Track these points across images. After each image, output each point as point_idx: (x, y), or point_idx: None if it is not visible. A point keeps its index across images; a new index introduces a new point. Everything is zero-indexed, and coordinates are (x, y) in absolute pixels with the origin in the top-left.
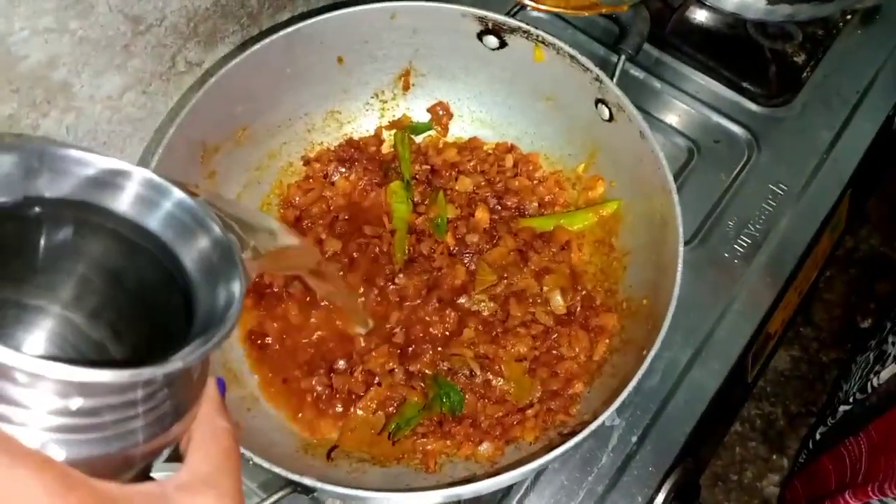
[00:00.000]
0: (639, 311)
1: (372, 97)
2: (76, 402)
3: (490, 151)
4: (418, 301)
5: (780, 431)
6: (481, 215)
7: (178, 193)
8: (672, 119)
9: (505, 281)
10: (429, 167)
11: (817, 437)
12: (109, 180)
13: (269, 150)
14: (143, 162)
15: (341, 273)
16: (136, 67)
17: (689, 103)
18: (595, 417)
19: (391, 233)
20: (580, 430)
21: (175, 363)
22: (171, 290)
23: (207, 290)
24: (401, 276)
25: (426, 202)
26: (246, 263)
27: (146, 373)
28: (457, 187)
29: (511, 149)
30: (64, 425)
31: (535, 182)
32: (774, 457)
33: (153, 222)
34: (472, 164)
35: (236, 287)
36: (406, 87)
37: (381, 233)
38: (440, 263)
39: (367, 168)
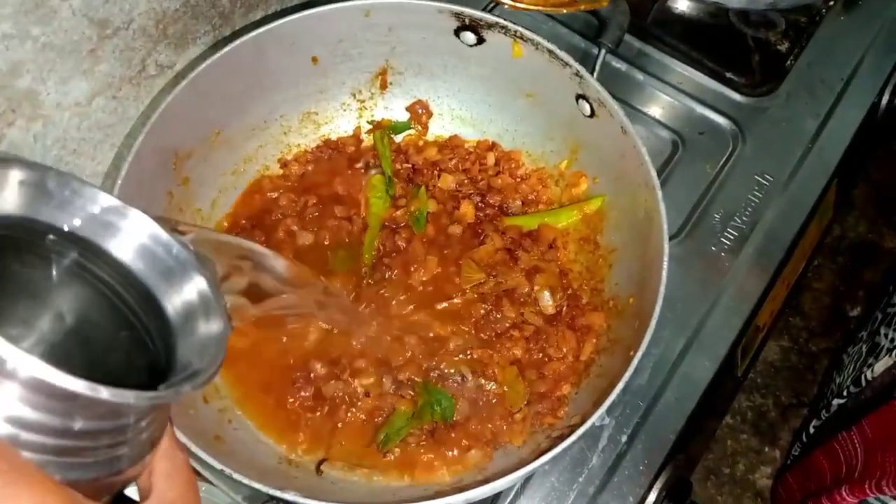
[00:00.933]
0: (625, 310)
1: (349, 97)
2: (78, 424)
3: (471, 150)
4: (395, 305)
5: (772, 423)
6: (466, 209)
7: (165, 237)
8: (656, 111)
9: (493, 279)
10: (410, 166)
11: (811, 430)
12: (107, 219)
13: (245, 153)
14: (113, 168)
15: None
16: (105, 72)
17: (673, 95)
18: (584, 420)
19: (364, 220)
20: (569, 434)
21: (175, 391)
22: (142, 329)
23: (189, 328)
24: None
25: (406, 198)
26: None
27: (162, 396)
28: (439, 185)
29: (492, 147)
30: (63, 447)
31: (517, 180)
32: (766, 449)
33: (140, 264)
34: (453, 162)
35: (218, 325)
36: (384, 86)
37: (351, 214)
38: (413, 254)
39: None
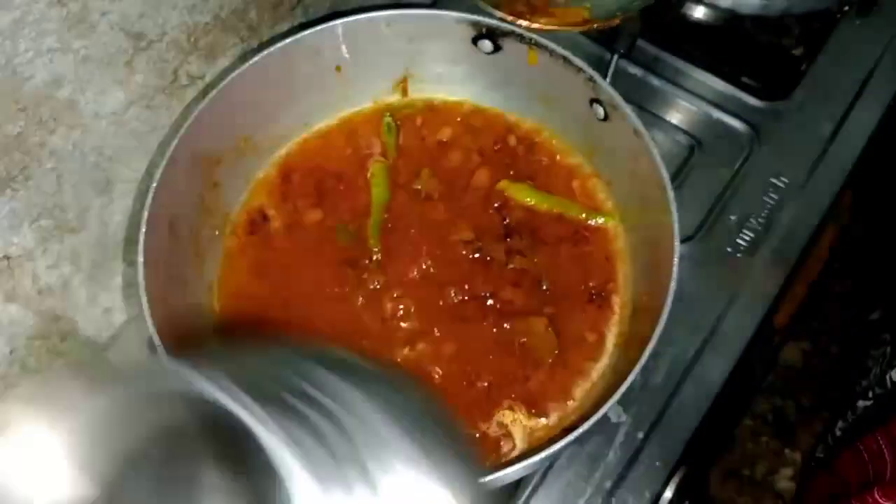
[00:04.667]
0: (639, 308)
1: (371, 105)
2: None
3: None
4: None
5: (792, 425)
6: (482, 175)
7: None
8: (672, 116)
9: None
10: (421, 148)
11: (837, 432)
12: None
13: (272, 159)
14: (146, 175)
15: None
16: (139, 83)
17: (689, 99)
18: (598, 408)
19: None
20: (583, 422)
21: None
22: None
23: None
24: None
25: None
26: None
27: None
28: (447, 163)
29: (511, 129)
30: None
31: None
32: (787, 451)
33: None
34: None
35: None
36: (404, 94)
37: (357, 198)
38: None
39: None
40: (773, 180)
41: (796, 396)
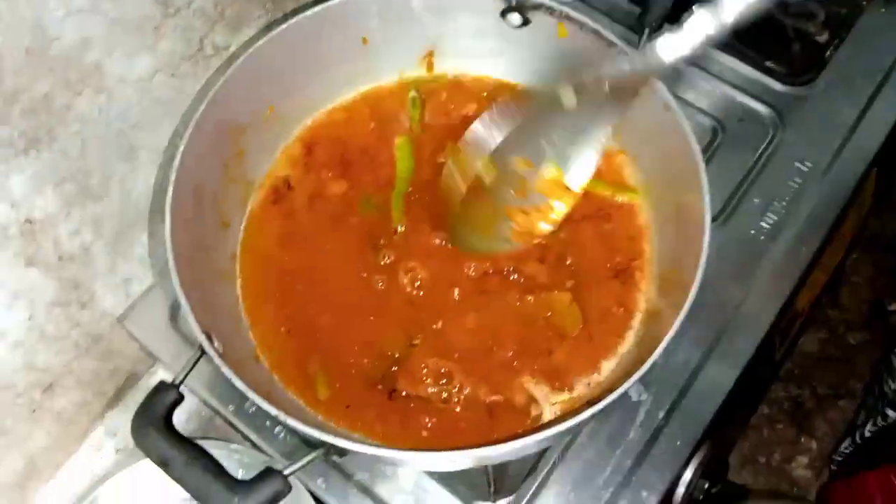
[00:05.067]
0: (665, 286)
1: (397, 77)
2: None
3: None
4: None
5: (809, 414)
6: None
7: None
8: (696, 99)
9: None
10: (447, 120)
11: (866, 433)
12: None
13: (298, 130)
14: (171, 144)
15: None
16: (166, 50)
17: (713, 83)
18: (623, 381)
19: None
20: (605, 396)
21: None
22: None
23: None
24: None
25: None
26: None
27: None
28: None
29: None
30: None
31: None
32: (803, 439)
33: None
34: None
35: None
36: (430, 68)
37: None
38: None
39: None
40: (797, 164)
41: (813, 384)
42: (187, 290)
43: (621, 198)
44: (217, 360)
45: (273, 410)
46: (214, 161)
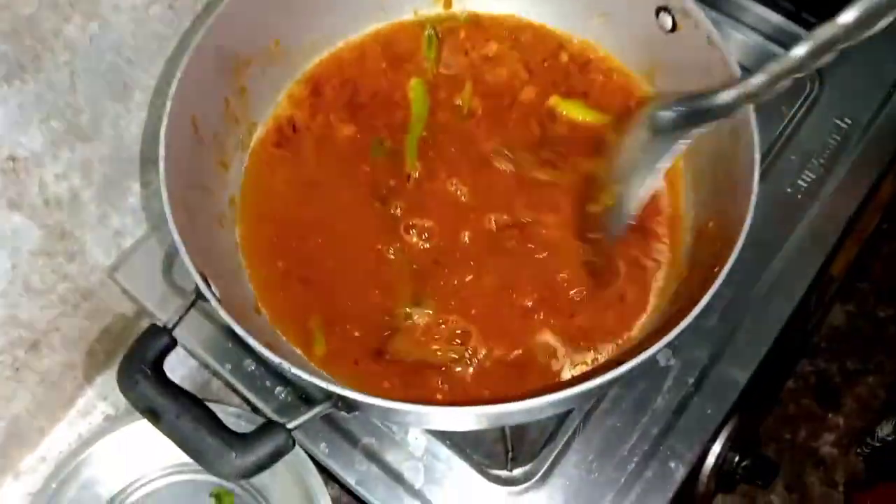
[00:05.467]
0: (701, 239)
1: (411, 16)
2: None
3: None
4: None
5: (836, 389)
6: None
7: None
8: (730, 51)
9: None
10: (466, 60)
11: None
12: None
13: (304, 71)
14: (165, 84)
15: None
16: None
17: (747, 34)
18: (655, 341)
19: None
20: (635, 355)
21: None
22: None
23: None
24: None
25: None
26: None
27: None
28: (489, 77)
29: (562, 46)
30: None
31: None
32: (830, 416)
33: None
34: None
35: None
36: (447, 6)
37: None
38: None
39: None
40: (836, 121)
41: (840, 359)
42: (182, 231)
43: None
44: (214, 304)
45: (275, 359)
46: (214, 94)
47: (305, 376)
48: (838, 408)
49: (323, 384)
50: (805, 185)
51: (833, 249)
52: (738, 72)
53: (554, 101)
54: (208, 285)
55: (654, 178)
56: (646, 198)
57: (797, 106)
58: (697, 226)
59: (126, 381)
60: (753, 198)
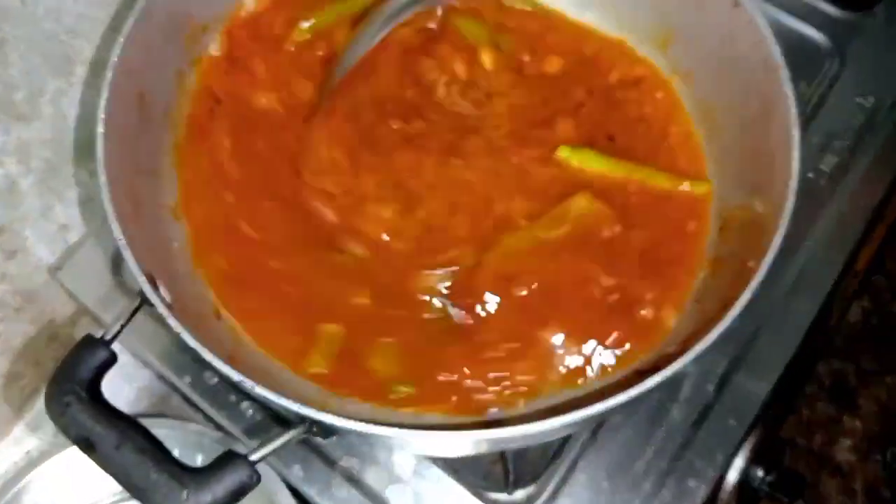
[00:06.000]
0: (732, 222)
1: None
2: None
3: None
4: None
5: (852, 391)
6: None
7: None
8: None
9: None
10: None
11: None
12: None
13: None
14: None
15: None
16: None
17: (765, 8)
18: (689, 346)
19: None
20: (666, 364)
21: None
22: None
23: None
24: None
25: None
26: None
27: None
28: None
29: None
30: None
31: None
32: (846, 418)
33: None
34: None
35: None
36: None
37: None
38: None
39: None
40: (859, 100)
41: (856, 358)
42: (126, 224)
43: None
44: (160, 308)
45: (236, 375)
46: (165, 65)
47: (269, 396)
48: (855, 410)
49: (295, 406)
50: (828, 169)
51: (861, 239)
52: (768, 33)
53: None
54: (155, 287)
55: None
56: None
57: (817, 83)
58: (723, 212)
59: (54, 405)
60: (795, 173)
